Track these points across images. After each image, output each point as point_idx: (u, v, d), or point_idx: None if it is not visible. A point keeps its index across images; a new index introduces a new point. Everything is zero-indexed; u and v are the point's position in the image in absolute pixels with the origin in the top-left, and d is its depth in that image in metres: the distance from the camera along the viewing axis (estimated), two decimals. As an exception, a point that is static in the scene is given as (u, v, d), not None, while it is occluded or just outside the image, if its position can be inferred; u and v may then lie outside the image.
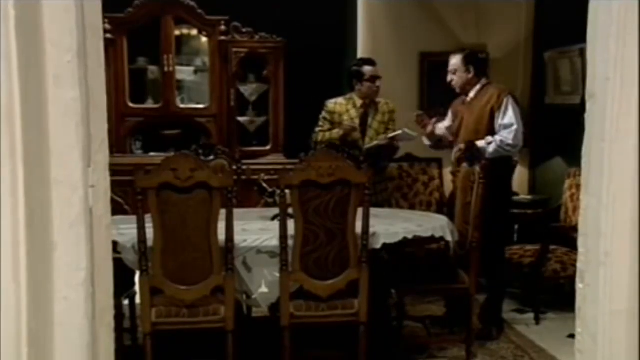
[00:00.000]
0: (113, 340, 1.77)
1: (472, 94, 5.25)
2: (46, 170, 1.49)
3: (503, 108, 5.10)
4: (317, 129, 5.79)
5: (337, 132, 5.68)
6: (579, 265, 1.81)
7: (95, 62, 1.62)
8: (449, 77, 5.32)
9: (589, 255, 1.74)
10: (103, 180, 1.68)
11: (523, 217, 6.44)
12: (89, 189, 1.58)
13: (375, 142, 5.67)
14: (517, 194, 6.85)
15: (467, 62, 5.23)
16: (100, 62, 1.67)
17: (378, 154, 5.70)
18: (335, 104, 5.79)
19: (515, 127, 5.06)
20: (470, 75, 5.23)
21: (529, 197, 6.91)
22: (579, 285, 1.79)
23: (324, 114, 5.80)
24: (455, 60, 5.27)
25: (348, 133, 5.64)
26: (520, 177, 7.05)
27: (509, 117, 5.08)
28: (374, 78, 5.71)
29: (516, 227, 6.55)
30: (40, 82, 1.46)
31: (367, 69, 5.72)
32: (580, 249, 1.81)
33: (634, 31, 1.58)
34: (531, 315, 5.59)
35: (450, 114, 5.52)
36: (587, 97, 1.76)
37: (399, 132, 5.60)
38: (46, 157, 1.48)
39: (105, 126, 1.69)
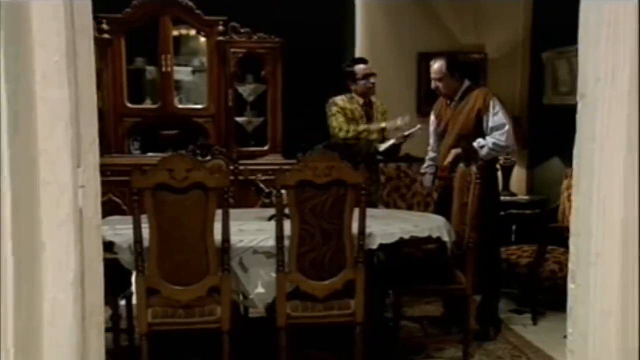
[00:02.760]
0: (103, 341, 1.76)
1: (456, 98, 5.23)
2: (35, 170, 1.49)
3: (491, 110, 5.06)
4: (340, 119, 5.75)
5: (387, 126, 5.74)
6: (570, 265, 1.81)
7: (85, 63, 1.61)
8: (434, 85, 5.28)
9: (580, 256, 1.74)
10: (94, 181, 1.67)
11: (521, 218, 6.44)
12: (79, 190, 1.58)
13: (391, 142, 5.70)
14: (515, 195, 6.87)
15: (451, 68, 5.19)
16: (91, 62, 1.66)
17: (389, 153, 5.77)
18: (344, 101, 5.82)
19: (507, 127, 5.03)
20: (457, 81, 5.21)
21: (527, 197, 6.91)
22: (571, 286, 1.79)
23: (335, 109, 5.79)
24: (438, 67, 5.22)
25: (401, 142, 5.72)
26: (518, 178, 7.07)
27: (499, 118, 5.04)
28: (367, 76, 5.73)
29: (514, 227, 6.55)
30: (29, 82, 1.46)
31: (359, 67, 5.75)
32: (572, 250, 1.81)
33: (625, 32, 1.58)
34: (529, 315, 5.58)
35: (432, 116, 5.50)
36: (578, 98, 1.76)
37: (417, 128, 5.64)
38: (35, 157, 1.48)
39: (96, 127, 1.68)
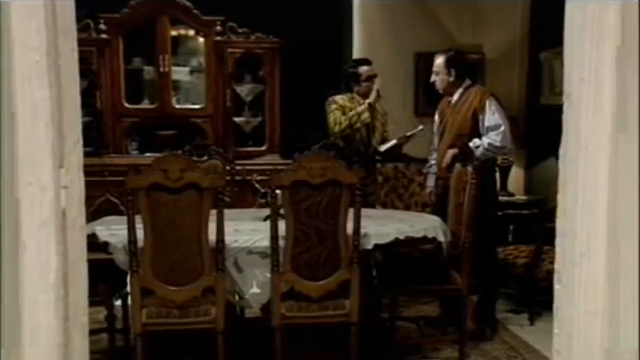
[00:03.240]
0: (87, 341, 1.76)
1: (455, 97, 5.21)
2: (15, 171, 1.48)
3: (487, 110, 5.04)
4: (337, 114, 5.76)
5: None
6: (556, 266, 1.81)
7: (68, 63, 1.61)
8: (432, 78, 5.29)
9: (565, 256, 1.74)
10: (77, 181, 1.66)
11: (518, 218, 6.44)
12: (61, 190, 1.57)
13: (392, 142, 5.70)
14: (512, 194, 6.86)
15: (448, 64, 5.17)
16: (74, 62, 1.66)
17: (390, 153, 5.78)
18: (343, 100, 5.82)
19: (502, 128, 5.01)
20: (452, 79, 5.18)
21: (524, 197, 6.90)
22: (557, 286, 1.79)
23: (333, 106, 5.79)
24: (438, 61, 5.23)
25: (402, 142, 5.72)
26: (515, 178, 7.06)
27: (495, 118, 5.03)
28: (371, 77, 5.74)
29: (511, 227, 6.55)
30: (8, 82, 1.45)
31: (363, 69, 5.76)
32: (558, 250, 1.81)
33: (608, 31, 1.58)
34: (526, 315, 5.57)
35: (436, 114, 5.49)
36: (564, 98, 1.76)
37: (420, 128, 5.64)
38: (15, 158, 1.48)
39: (79, 127, 1.68)
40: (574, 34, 1.67)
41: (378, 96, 5.79)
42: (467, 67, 5.46)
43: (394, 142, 5.74)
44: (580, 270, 1.67)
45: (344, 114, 5.75)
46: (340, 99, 5.83)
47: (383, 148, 5.75)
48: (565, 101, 1.75)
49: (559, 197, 1.80)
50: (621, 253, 1.63)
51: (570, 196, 1.72)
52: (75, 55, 1.66)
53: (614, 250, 1.63)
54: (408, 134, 5.70)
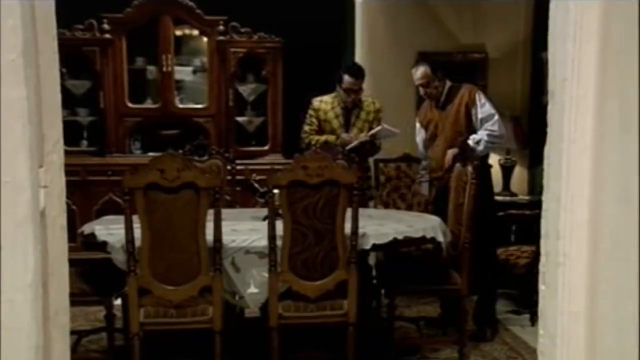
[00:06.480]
0: (68, 340, 1.75)
1: (442, 98, 5.23)
2: (-9, 171, 1.47)
3: (478, 102, 5.11)
4: (306, 128, 5.90)
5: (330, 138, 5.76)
6: (540, 267, 1.80)
7: (48, 61, 1.60)
8: (422, 91, 5.28)
9: (549, 257, 1.73)
10: (58, 180, 1.66)
11: (520, 218, 6.41)
12: (41, 190, 1.56)
13: (356, 142, 5.70)
14: (515, 195, 6.84)
15: (434, 69, 5.19)
16: (55, 61, 1.65)
17: (360, 151, 5.76)
18: (321, 101, 5.89)
19: (496, 117, 5.10)
20: (441, 82, 5.21)
21: (527, 197, 6.88)
22: (541, 287, 1.78)
23: (310, 111, 5.89)
24: (423, 72, 5.20)
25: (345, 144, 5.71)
26: (518, 178, 7.04)
27: (487, 109, 5.10)
28: (349, 90, 5.72)
29: (513, 227, 6.53)
30: (-17, 81, 1.45)
31: (346, 79, 5.72)
32: (542, 251, 1.80)
33: (590, 31, 1.57)
34: (527, 316, 5.56)
35: (417, 124, 5.49)
36: (548, 97, 1.75)
37: (379, 128, 5.65)
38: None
39: (60, 126, 1.67)
40: (557, 33, 1.66)
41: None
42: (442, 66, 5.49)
43: (356, 142, 5.74)
44: (563, 271, 1.66)
45: (317, 118, 5.85)
46: (317, 101, 5.91)
47: (349, 147, 5.75)
48: (549, 101, 1.74)
49: (543, 197, 1.78)
50: (603, 254, 1.62)
51: (553, 196, 1.70)
52: (56, 54, 1.66)
53: (597, 251, 1.62)
54: (370, 132, 5.73)
